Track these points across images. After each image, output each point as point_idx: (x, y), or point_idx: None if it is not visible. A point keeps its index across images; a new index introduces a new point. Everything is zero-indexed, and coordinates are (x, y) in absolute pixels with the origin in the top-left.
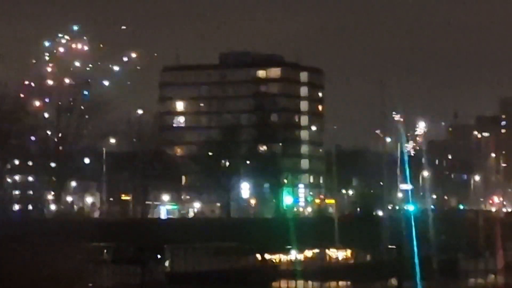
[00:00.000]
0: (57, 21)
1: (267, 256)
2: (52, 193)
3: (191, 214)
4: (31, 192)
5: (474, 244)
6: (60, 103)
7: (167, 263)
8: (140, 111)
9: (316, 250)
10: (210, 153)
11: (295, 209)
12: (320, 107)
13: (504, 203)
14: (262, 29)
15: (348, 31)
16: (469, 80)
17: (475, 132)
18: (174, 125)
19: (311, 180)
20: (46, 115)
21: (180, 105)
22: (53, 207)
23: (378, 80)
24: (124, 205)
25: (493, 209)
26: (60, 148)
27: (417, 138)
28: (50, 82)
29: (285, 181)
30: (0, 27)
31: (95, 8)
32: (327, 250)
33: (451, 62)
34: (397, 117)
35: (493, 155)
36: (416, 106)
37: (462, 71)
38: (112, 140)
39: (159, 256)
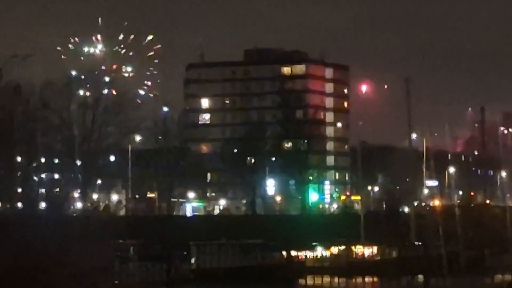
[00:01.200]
0: (83, 20)
1: (293, 252)
2: (78, 191)
3: (216, 211)
4: (57, 190)
5: (500, 240)
6: (85, 100)
7: (193, 260)
8: (165, 109)
9: (342, 247)
10: (235, 150)
11: (320, 206)
12: (345, 104)
13: None
14: (286, 25)
15: (373, 27)
16: (496, 76)
17: (502, 128)
18: (199, 122)
19: (337, 177)
20: (72, 113)
21: (205, 102)
22: (79, 204)
23: (403, 75)
24: (149, 202)
25: None
26: (86, 146)
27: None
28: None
29: (311, 177)
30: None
31: (120, 7)
32: (353, 247)
33: (477, 58)
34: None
35: None
36: (442, 101)
37: (489, 66)
38: (138, 138)
39: (185, 253)
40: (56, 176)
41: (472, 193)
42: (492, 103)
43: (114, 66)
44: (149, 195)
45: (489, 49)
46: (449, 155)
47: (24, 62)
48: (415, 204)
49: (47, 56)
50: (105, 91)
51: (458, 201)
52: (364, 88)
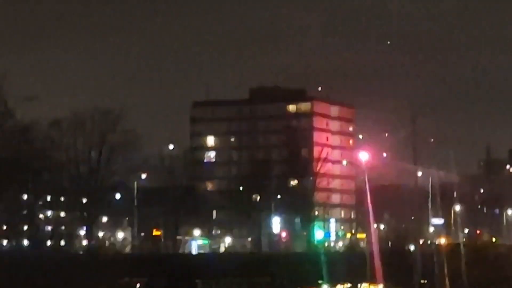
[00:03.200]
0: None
1: None
2: (84, 228)
3: (222, 249)
4: (63, 228)
5: (506, 279)
6: (91, 139)
7: None
8: (171, 146)
9: (348, 285)
10: (240, 188)
11: (326, 244)
12: (350, 141)
13: None
14: (293, 63)
15: (379, 65)
16: (501, 115)
17: (508, 166)
18: (205, 160)
19: (342, 215)
20: (78, 151)
21: (210, 140)
22: (84, 242)
23: (409, 113)
24: (155, 240)
25: None
26: (92, 183)
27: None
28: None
29: (316, 215)
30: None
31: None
32: (359, 285)
33: (483, 96)
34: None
35: None
36: (448, 140)
37: (494, 105)
38: (143, 175)
39: None
40: (62, 213)
41: (478, 231)
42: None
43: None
44: (155, 232)
45: (496, 86)
46: (455, 193)
47: (32, 102)
48: (421, 242)
49: (55, 94)
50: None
51: (464, 239)
52: (364, 156)
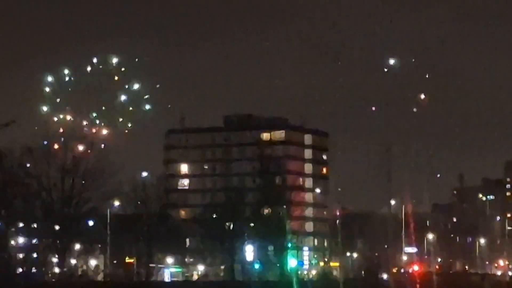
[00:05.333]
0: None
1: None
2: (56, 255)
3: (195, 277)
4: (35, 255)
5: None
6: (64, 166)
7: None
8: (144, 174)
9: None
10: (214, 216)
11: (299, 272)
12: (324, 170)
13: (510, 266)
14: (266, 91)
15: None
16: (474, 143)
17: (480, 195)
18: (179, 187)
19: (316, 243)
20: (51, 178)
21: (184, 168)
22: (57, 270)
23: (383, 142)
24: (128, 268)
25: (499, 273)
26: (64, 210)
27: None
28: (55, 146)
29: (290, 244)
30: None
31: None
32: None
33: (456, 125)
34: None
35: (498, 218)
36: (421, 168)
37: (467, 134)
38: (117, 203)
39: None
40: (34, 241)
41: (450, 260)
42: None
43: (93, 130)
44: (128, 260)
45: (468, 117)
46: (428, 222)
47: (6, 129)
48: (394, 270)
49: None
50: (84, 155)
51: (437, 267)
52: None
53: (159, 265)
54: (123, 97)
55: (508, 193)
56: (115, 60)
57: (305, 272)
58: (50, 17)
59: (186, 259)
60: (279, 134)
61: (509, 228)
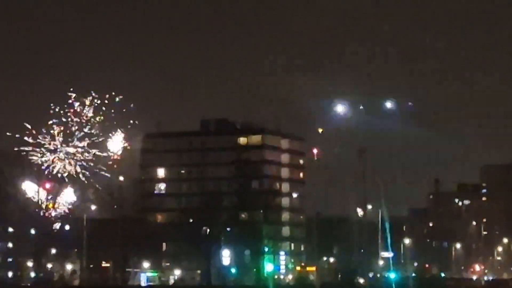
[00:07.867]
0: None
1: None
2: (32, 260)
3: (171, 281)
4: (10, 259)
5: None
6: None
7: None
8: (121, 178)
9: None
10: (191, 220)
11: (275, 277)
12: (301, 174)
13: (485, 271)
14: (243, 96)
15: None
16: (450, 148)
17: (456, 200)
18: (155, 192)
19: (292, 248)
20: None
21: (161, 172)
22: (33, 274)
23: (359, 147)
24: (104, 272)
25: (474, 277)
26: (40, 215)
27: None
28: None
29: (266, 248)
30: None
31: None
32: None
33: (431, 130)
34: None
35: (474, 223)
36: (397, 173)
37: (443, 139)
38: (93, 207)
39: None
40: (10, 245)
41: (427, 265)
42: (447, 175)
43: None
44: (104, 264)
45: (445, 120)
46: (404, 227)
47: None
48: (371, 275)
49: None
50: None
51: (413, 272)
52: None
53: (135, 270)
54: None
55: (484, 198)
56: None
57: (282, 277)
58: None
59: (162, 264)
60: (256, 139)
61: (484, 233)
